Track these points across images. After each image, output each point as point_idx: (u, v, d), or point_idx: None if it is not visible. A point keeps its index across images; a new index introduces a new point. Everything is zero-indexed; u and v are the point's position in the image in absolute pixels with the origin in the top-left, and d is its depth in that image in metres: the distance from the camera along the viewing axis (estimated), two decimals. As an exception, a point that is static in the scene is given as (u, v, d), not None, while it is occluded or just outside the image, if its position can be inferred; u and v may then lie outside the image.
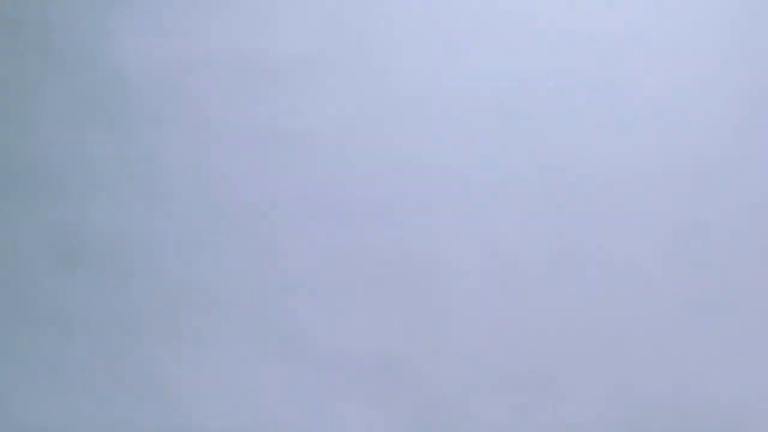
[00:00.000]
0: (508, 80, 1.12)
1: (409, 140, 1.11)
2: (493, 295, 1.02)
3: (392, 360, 1.02)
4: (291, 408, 1.01)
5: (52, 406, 0.94)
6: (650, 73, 1.10)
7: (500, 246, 1.04)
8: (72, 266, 0.96)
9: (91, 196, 0.98)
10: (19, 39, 1.08)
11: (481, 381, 0.98)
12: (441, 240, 1.05)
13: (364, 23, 1.12)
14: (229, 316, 1.04)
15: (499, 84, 1.13)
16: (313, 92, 1.11)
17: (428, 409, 0.97)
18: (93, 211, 0.97)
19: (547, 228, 1.04)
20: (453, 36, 1.13)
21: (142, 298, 1.00)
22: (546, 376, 0.99)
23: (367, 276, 1.05)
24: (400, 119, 1.12)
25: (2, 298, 0.95)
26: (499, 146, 1.10)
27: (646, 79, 1.10)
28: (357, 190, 1.10)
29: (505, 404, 0.98)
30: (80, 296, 0.96)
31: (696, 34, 1.10)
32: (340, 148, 1.10)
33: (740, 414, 1.02)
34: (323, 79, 1.12)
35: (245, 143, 1.09)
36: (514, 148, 1.09)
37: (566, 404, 0.99)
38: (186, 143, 1.07)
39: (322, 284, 1.05)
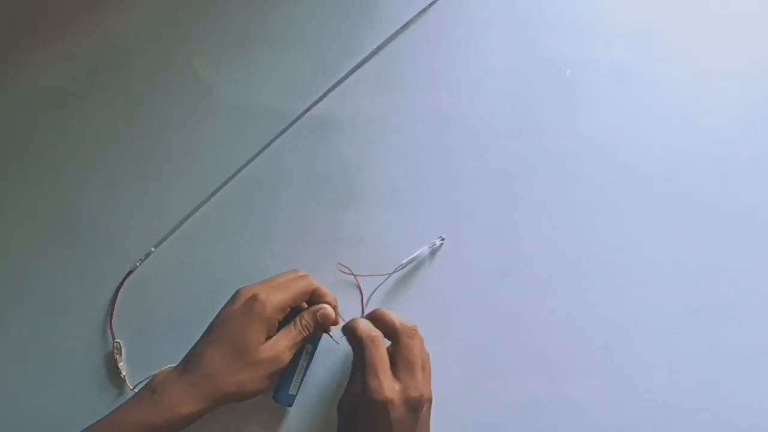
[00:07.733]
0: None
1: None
2: (498, 293, 0.98)
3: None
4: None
5: (46, 391, 0.92)
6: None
7: (504, 244, 0.99)
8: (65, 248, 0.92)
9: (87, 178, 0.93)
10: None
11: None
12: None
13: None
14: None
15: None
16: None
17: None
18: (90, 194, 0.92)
19: (554, 225, 1.01)
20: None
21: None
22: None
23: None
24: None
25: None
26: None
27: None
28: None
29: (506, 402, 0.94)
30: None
31: None
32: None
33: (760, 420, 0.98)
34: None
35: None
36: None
37: (572, 410, 0.97)
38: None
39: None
